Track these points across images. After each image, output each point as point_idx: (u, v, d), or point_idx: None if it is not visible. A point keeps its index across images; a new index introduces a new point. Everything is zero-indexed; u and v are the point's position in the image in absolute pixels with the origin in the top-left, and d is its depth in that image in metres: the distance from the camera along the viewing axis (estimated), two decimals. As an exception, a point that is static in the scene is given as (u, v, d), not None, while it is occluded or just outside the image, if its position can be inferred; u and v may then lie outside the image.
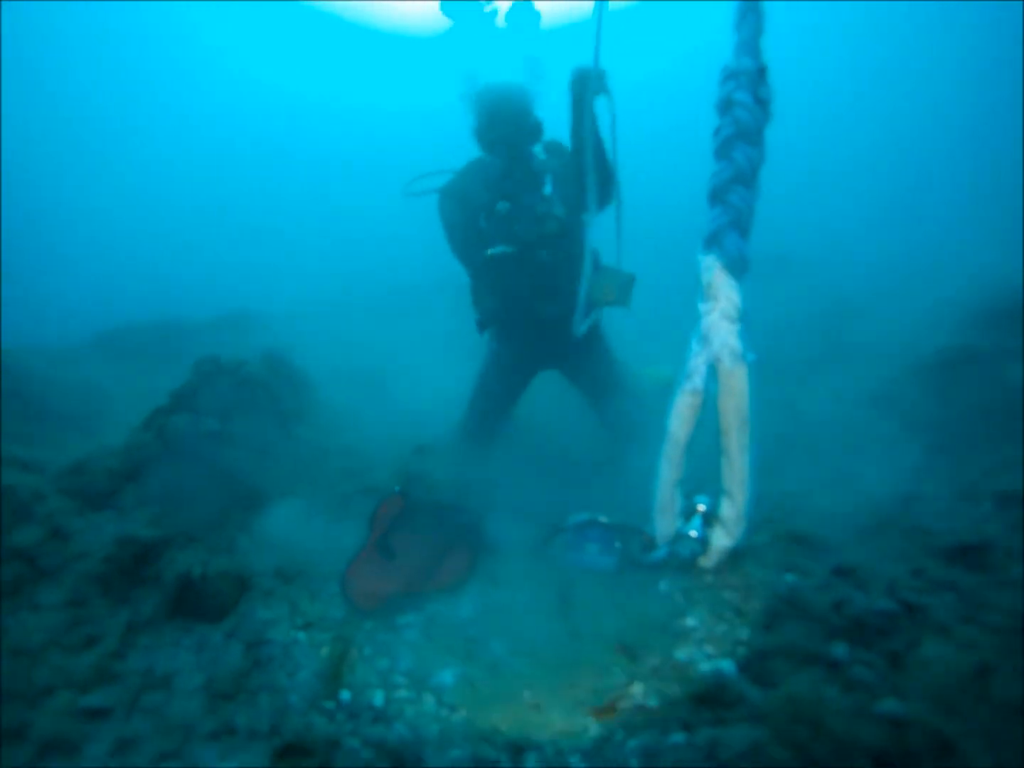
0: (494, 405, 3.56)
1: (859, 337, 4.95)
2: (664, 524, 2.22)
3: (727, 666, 1.74)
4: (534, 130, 3.14)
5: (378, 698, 1.77)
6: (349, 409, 4.01)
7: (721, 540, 2.17)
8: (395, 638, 2.06)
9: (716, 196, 1.98)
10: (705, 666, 1.76)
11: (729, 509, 2.16)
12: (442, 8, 3.26)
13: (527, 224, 3.09)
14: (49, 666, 1.96)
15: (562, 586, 2.28)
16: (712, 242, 1.96)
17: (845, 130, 14.57)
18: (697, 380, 1.99)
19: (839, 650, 1.76)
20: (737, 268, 1.94)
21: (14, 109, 16.41)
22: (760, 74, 2.04)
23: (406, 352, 5.27)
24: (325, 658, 1.93)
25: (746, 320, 2.04)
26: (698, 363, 2.03)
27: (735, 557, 2.20)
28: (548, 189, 3.18)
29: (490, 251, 3.13)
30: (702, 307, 1.99)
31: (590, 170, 2.77)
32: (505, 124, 3.05)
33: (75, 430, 3.99)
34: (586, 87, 2.68)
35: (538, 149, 3.25)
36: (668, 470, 2.17)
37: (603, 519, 2.35)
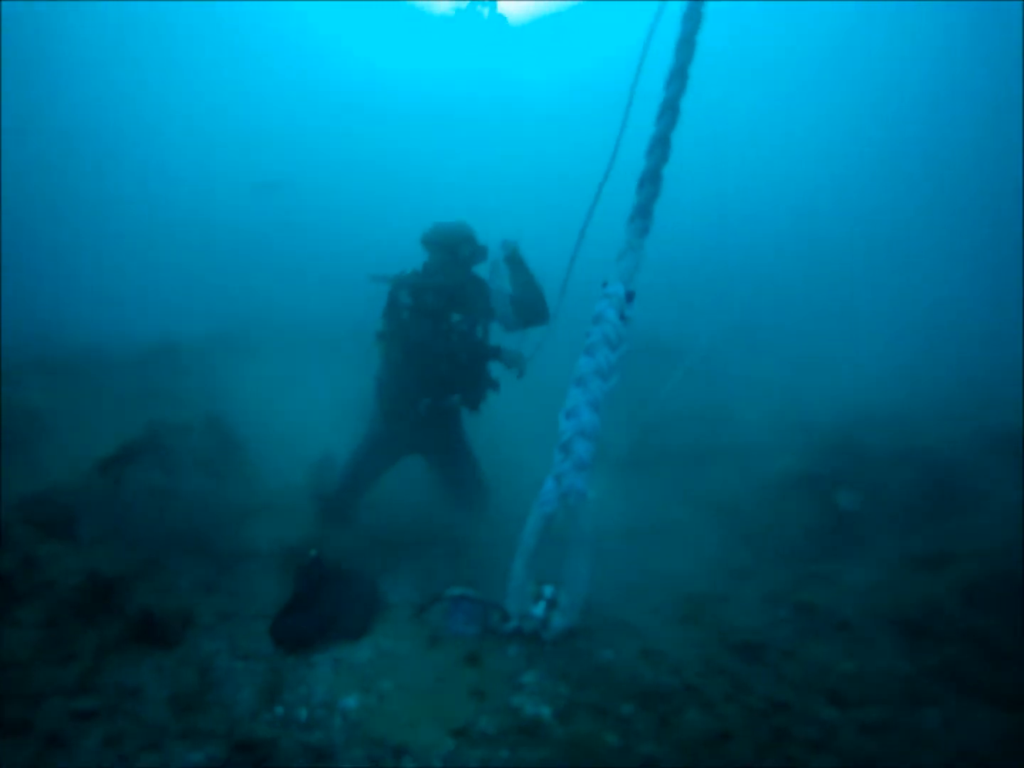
0: (366, 475, 4.42)
1: (724, 442, 5.99)
2: (516, 604, 3.02)
3: (545, 711, 2.53)
4: (468, 260, 4.16)
5: (302, 714, 2.48)
6: (270, 465, 4.87)
7: (558, 621, 2.99)
8: (311, 672, 2.77)
9: (580, 381, 2.87)
10: (530, 709, 2.53)
11: (567, 597, 2.99)
12: None
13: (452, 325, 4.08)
14: (39, 675, 2.54)
15: (435, 643, 2.99)
16: (571, 415, 2.83)
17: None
18: (548, 508, 2.84)
19: (627, 708, 2.56)
20: (588, 435, 2.82)
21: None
22: (628, 297, 2.96)
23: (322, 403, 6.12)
24: (261, 683, 2.61)
25: (594, 464, 2.90)
26: (550, 496, 2.87)
27: (569, 634, 3.00)
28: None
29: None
30: (557, 457, 2.85)
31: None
32: (446, 250, 4.09)
33: (18, 453, 4.43)
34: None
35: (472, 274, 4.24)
36: (521, 568, 2.99)
37: (472, 594, 3.12)
